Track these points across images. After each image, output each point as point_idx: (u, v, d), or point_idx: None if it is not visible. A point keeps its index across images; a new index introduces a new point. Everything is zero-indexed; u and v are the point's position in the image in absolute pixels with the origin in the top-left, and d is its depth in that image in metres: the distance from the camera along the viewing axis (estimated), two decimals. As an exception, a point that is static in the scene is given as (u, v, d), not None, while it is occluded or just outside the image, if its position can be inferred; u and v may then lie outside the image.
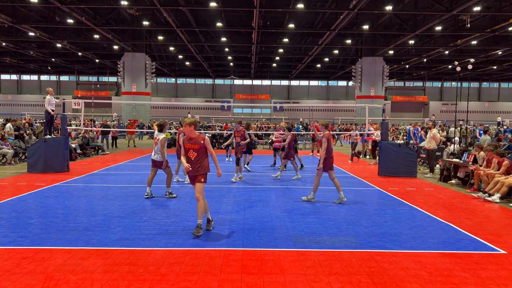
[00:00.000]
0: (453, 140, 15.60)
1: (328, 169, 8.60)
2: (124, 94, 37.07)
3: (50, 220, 6.67)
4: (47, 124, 13.43)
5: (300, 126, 32.13)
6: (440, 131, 20.73)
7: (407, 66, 44.05)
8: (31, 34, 29.74)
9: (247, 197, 8.99)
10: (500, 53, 34.68)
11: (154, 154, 8.70)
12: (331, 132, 10.14)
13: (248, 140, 11.63)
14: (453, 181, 11.41)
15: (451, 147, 15.11)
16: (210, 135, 17.17)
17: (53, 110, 13.40)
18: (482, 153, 10.95)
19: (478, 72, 48.34)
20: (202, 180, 6.11)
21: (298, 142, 25.20)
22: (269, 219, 7.00)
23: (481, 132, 18.11)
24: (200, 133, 6.25)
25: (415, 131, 17.66)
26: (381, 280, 4.43)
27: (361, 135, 19.46)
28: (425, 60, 39.67)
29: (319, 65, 48.87)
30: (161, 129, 8.83)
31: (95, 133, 19.87)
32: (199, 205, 6.05)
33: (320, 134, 9.33)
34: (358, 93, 37.87)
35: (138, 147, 23.33)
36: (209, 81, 62.12)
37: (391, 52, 36.83)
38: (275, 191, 9.78)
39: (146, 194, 8.74)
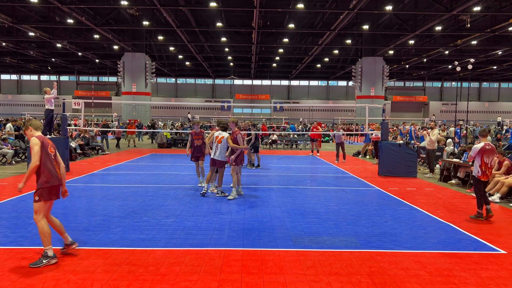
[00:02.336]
0: (446, 142, 15.54)
1: (239, 163, 8.86)
2: (124, 94, 37.08)
3: (50, 220, 6.67)
4: (47, 124, 13.43)
5: (295, 125, 32.17)
6: (440, 131, 20.73)
7: (407, 66, 44.06)
8: (31, 34, 29.74)
9: (247, 197, 8.98)
10: (500, 53, 34.68)
11: (215, 153, 8.79)
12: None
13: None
14: (453, 181, 11.40)
15: (448, 148, 15.10)
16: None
17: (52, 110, 13.38)
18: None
19: (478, 72, 48.34)
20: (36, 198, 4.66)
21: (299, 142, 25.29)
22: (269, 219, 7.00)
23: (457, 131, 18.01)
24: (40, 135, 4.89)
25: (414, 131, 17.67)
26: (381, 280, 4.43)
27: (363, 135, 19.46)
28: (425, 60, 39.67)
29: (319, 65, 48.88)
30: (224, 128, 8.98)
31: (94, 132, 19.86)
32: (39, 230, 4.67)
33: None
34: (358, 93, 37.88)
35: (138, 147, 23.33)
36: (209, 81, 62.12)
37: (391, 52, 36.83)
38: (275, 191, 9.78)
39: (203, 191, 8.97)
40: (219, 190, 9.03)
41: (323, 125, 34.81)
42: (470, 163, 7.42)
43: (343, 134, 17.71)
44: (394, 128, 27.61)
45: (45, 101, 13.14)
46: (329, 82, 61.75)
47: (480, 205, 7.19)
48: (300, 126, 33.58)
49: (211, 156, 8.93)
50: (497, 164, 9.67)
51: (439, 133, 14.76)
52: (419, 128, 18.61)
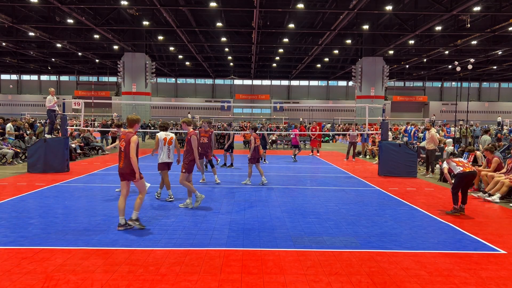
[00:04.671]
0: (445, 142, 15.51)
1: (190, 170, 7.88)
2: (124, 94, 37.08)
3: (50, 220, 6.67)
4: (51, 124, 13.50)
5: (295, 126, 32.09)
6: (440, 131, 20.73)
7: (407, 66, 44.05)
8: (31, 34, 29.73)
9: (247, 197, 8.98)
10: (500, 53, 34.67)
11: (168, 156, 8.38)
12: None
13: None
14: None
15: (448, 148, 15.08)
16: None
17: (54, 110, 13.48)
18: (478, 153, 11.15)
19: (478, 72, 48.35)
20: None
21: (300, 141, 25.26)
22: (269, 219, 7.00)
23: (446, 130, 17.98)
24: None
25: (412, 130, 17.66)
26: (381, 280, 4.43)
27: (361, 135, 19.46)
28: (425, 60, 39.67)
29: (319, 65, 48.88)
30: (165, 128, 8.72)
31: (90, 133, 19.80)
32: None
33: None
34: (358, 93, 37.86)
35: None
36: (209, 81, 62.13)
37: (391, 52, 36.82)
38: (275, 191, 9.78)
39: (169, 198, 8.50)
40: (169, 193, 8.43)
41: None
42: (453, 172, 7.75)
43: (357, 134, 17.68)
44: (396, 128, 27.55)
45: (46, 101, 13.27)
46: (329, 82, 61.76)
47: (456, 201, 7.60)
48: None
49: (164, 160, 8.36)
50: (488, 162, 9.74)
51: (438, 133, 14.75)
52: (419, 128, 18.61)
